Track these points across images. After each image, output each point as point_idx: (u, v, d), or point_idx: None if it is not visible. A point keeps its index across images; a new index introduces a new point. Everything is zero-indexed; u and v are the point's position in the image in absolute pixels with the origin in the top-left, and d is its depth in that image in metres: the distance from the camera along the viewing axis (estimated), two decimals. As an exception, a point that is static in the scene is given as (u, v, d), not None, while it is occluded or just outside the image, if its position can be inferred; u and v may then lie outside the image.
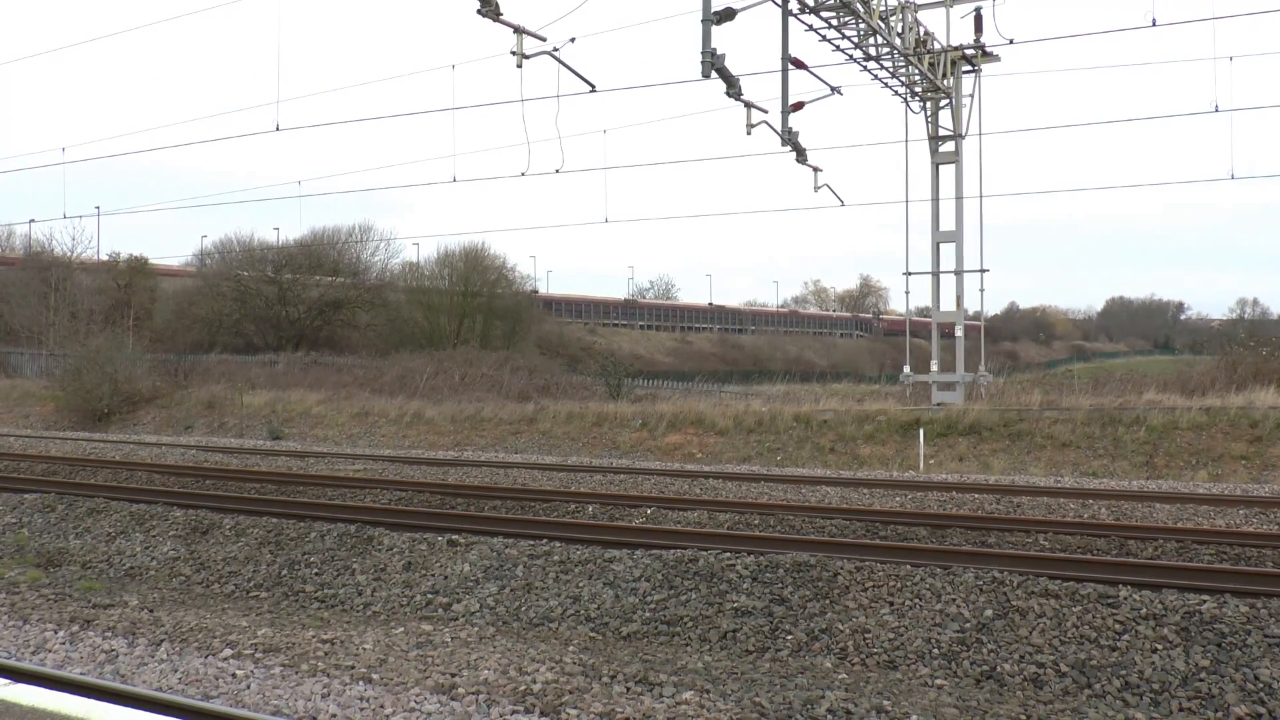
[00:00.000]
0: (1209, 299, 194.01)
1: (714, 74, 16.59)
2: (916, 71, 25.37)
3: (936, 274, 27.38)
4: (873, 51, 23.90)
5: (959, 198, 26.64)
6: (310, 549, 11.44)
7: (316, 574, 10.97)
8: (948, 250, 27.23)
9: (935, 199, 27.21)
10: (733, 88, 17.54)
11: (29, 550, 12.75)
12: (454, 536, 11.15)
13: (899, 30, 23.93)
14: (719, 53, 16.44)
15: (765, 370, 53.66)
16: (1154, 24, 16.21)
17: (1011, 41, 18.65)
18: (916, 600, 8.66)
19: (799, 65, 19.34)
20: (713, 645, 8.65)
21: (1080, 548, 11.26)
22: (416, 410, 31.12)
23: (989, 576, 8.79)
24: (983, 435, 23.09)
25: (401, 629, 9.03)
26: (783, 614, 8.81)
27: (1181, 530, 11.95)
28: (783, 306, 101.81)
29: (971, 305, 28.16)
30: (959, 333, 26.92)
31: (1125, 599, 8.16)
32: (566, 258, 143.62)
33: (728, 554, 9.88)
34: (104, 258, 52.92)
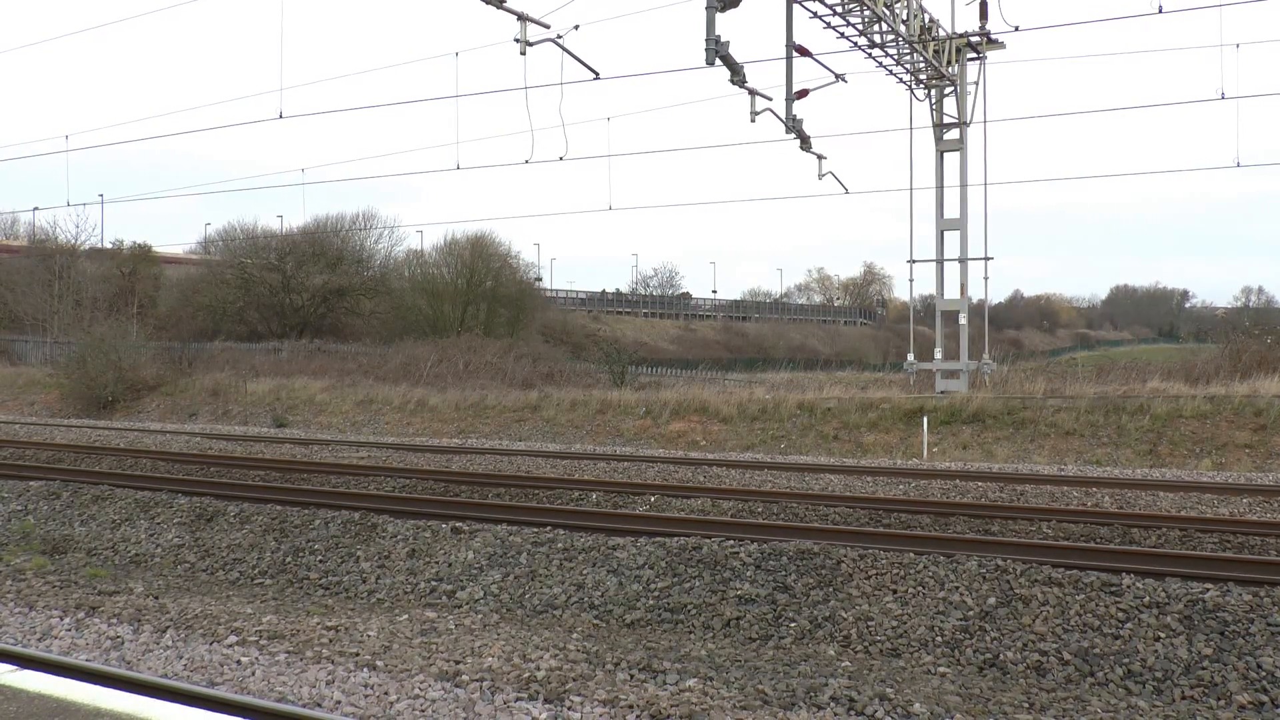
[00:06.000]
0: (1214, 287, 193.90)
1: (718, 61, 16.55)
2: (921, 59, 25.30)
3: (941, 262, 27.36)
4: (877, 39, 23.83)
5: (963, 185, 26.59)
6: (314, 536, 11.46)
7: (320, 561, 11.00)
8: (952, 238, 27.21)
9: (940, 186, 27.17)
10: (737, 75, 17.50)
11: (35, 537, 12.79)
12: (458, 524, 11.17)
13: (904, 17, 23.86)
14: (723, 40, 16.40)
15: (769, 358, 53.65)
16: (1160, 11, 16.11)
17: (1017, 28, 18.54)
18: (920, 588, 8.67)
19: (803, 53, 19.29)
20: (716, 633, 8.67)
21: (1084, 536, 11.27)
22: (420, 398, 31.13)
23: (992, 564, 8.80)
24: (986, 423, 23.08)
25: (405, 616, 9.06)
26: (786, 602, 8.82)
27: (1185, 518, 11.94)
28: (784, 297, 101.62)
29: (976, 293, 28.17)
30: (963, 320, 26.91)
31: (1128, 587, 8.16)
32: (570, 245, 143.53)
33: (731, 541, 9.90)
34: (108, 245, 52.97)
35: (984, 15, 25.28)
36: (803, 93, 19.59)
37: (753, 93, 18.18)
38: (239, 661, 7.65)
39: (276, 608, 9.43)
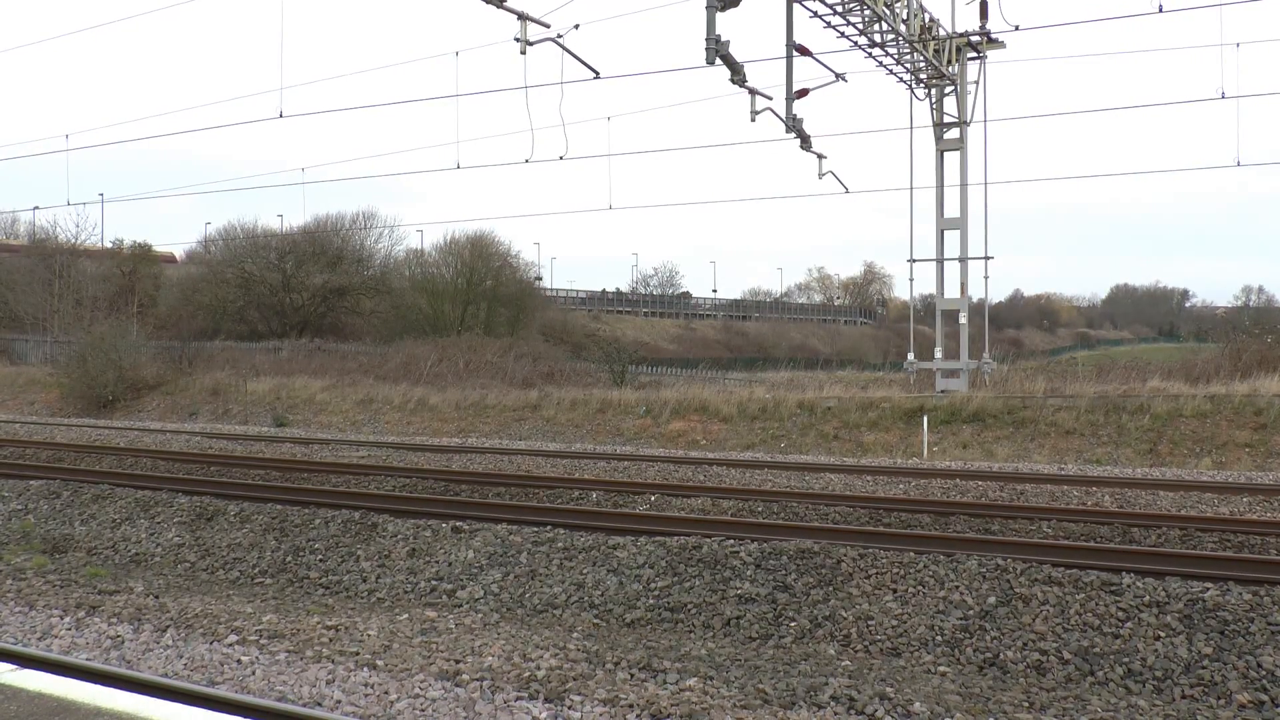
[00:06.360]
0: (1214, 286, 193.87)
1: (718, 60, 16.53)
2: (921, 58, 25.30)
3: (941, 261, 27.36)
4: (878, 38, 23.82)
5: (964, 185, 26.59)
6: (314, 535, 11.47)
7: (321, 560, 11.00)
8: (952, 237, 27.22)
9: (940, 186, 27.18)
10: (737, 74, 17.48)
11: (35, 537, 12.79)
12: (458, 523, 11.17)
13: (904, 17, 23.86)
14: (723, 39, 16.38)
15: (769, 357, 53.65)
16: (1160, 10, 16.09)
17: (1017, 28, 18.50)
18: (920, 587, 8.67)
19: (804, 52, 19.28)
20: (716, 632, 8.67)
21: (1084, 535, 11.27)
22: (420, 397, 31.14)
23: (992, 564, 8.80)
24: (986, 423, 23.08)
25: (406, 615, 9.06)
26: (786, 601, 8.82)
27: (1185, 518, 11.95)
28: (784, 296, 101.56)
29: (976, 292, 28.18)
30: (963, 320, 26.91)
31: (1128, 586, 8.16)
32: (570, 245, 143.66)
33: (731, 541, 9.90)
34: (108, 244, 52.98)
35: (984, 14, 25.27)
36: (803, 92, 19.57)
37: (753, 92, 18.17)
38: (239, 661, 7.66)
39: (277, 607, 9.43)
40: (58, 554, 12.03)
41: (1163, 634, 7.61)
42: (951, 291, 27.36)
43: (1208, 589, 8.01)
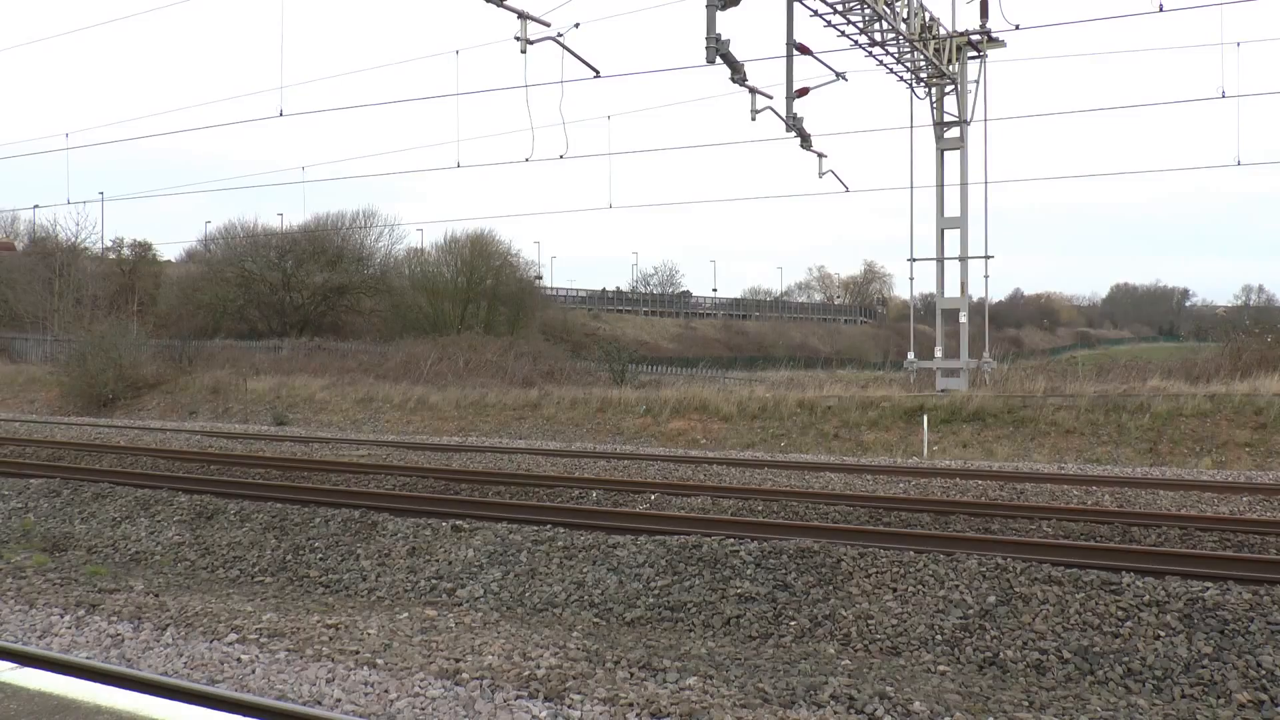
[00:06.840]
0: (1214, 286, 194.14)
1: (718, 59, 16.53)
2: (922, 57, 25.30)
3: (941, 260, 27.37)
4: (878, 37, 23.83)
5: (964, 184, 26.60)
6: (314, 534, 11.47)
7: (321, 559, 11.00)
8: (952, 236, 27.23)
9: (940, 185, 27.18)
10: (737, 73, 17.48)
11: (35, 535, 12.80)
12: (458, 522, 11.17)
13: (904, 16, 23.86)
14: (724, 38, 16.38)
15: (769, 356, 53.65)
16: (1161, 9, 16.09)
17: (1017, 27, 18.52)
18: (920, 586, 8.67)
19: (804, 51, 19.27)
20: (716, 631, 8.67)
21: (1083, 534, 11.27)
22: (420, 396, 31.14)
23: (992, 563, 8.80)
24: (986, 422, 23.08)
25: (406, 614, 9.06)
26: (786, 600, 8.83)
27: (1185, 517, 11.95)
28: (784, 295, 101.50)
29: (976, 291, 28.18)
30: (963, 319, 26.92)
31: (1128, 586, 8.16)
32: (571, 244, 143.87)
33: (731, 540, 9.90)
34: (108, 243, 53.03)
35: (984, 13, 25.29)
36: (803, 91, 19.56)
37: (753, 91, 18.16)
38: (239, 659, 7.66)
39: (277, 605, 9.43)
40: (58, 552, 12.03)
41: (1162, 633, 7.61)
42: (951, 291, 27.37)
43: (1208, 588, 8.02)
